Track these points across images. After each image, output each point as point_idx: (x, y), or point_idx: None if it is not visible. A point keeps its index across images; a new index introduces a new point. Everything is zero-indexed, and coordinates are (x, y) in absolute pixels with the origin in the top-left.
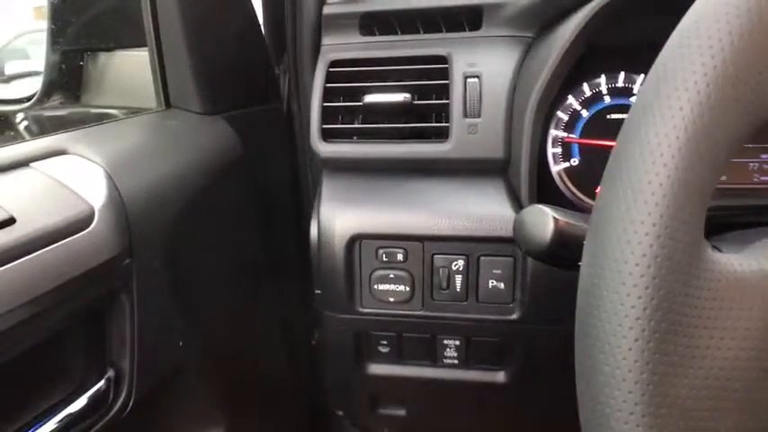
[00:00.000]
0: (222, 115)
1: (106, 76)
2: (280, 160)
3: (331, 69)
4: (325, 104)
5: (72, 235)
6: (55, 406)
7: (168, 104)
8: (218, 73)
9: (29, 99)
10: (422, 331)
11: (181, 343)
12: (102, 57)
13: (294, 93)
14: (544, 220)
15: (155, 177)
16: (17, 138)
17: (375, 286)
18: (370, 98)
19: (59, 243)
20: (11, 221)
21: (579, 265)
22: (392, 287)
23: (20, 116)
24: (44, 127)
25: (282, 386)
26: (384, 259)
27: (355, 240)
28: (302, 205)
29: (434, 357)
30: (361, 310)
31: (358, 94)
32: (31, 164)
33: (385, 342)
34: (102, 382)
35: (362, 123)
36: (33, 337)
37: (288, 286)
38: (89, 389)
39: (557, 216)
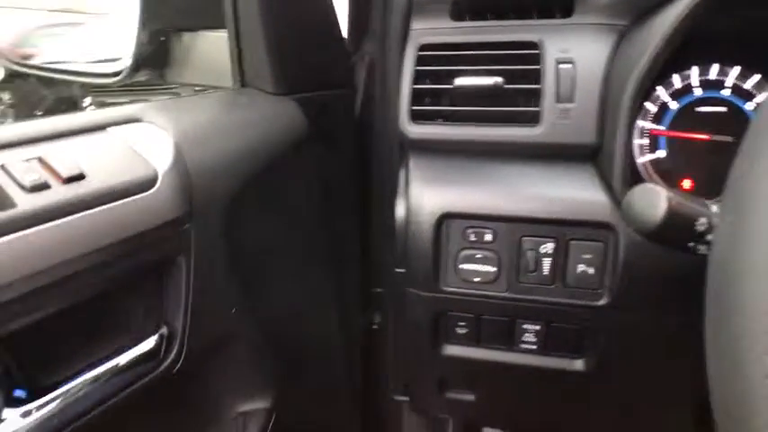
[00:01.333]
0: (294, 96)
1: (189, 55)
2: (345, 144)
3: (421, 53)
4: (415, 87)
5: (135, 194)
6: (110, 355)
7: (244, 83)
8: (292, 54)
9: (117, 74)
10: (502, 314)
11: (234, 310)
12: (186, 36)
13: (380, 77)
14: (656, 199)
15: (221, 150)
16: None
17: (461, 266)
18: (461, 81)
19: (123, 201)
20: (80, 177)
21: (689, 247)
22: (478, 267)
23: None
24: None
25: (334, 367)
26: (472, 239)
27: (444, 219)
28: (371, 187)
29: (512, 341)
30: (445, 288)
31: (448, 77)
32: (108, 128)
33: (463, 323)
34: (155, 337)
35: (450, 106)
36: (95, 286)
37: (346, 268)
38: (143, 341)
39: (670, 195)
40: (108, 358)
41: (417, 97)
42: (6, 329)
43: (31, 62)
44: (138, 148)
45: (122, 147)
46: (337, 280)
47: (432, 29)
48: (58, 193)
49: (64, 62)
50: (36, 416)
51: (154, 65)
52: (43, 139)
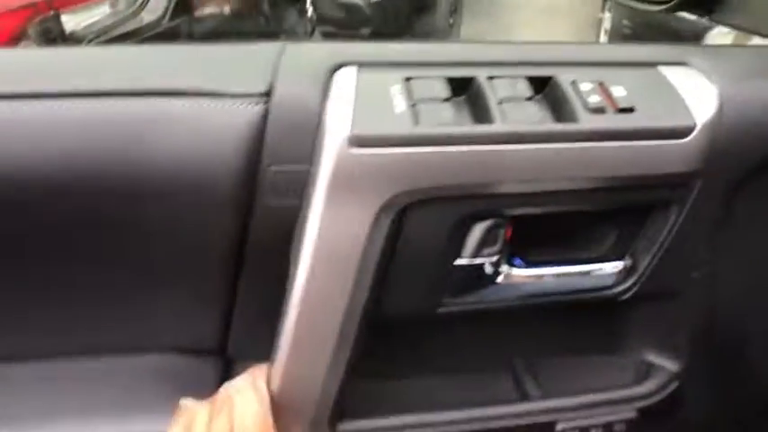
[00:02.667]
0: None
1: None
2: None
3: None
4: None
5: (670, 139)
6: (577, 261)
7: None
8: None
9: (665, 2)
10: None
11: (695, 274)
12: None
13: None
14: None
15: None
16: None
17: None
18: None
19: (656, 142)
20: (631, 110)
21: None
22: None
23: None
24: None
25: None
26: None
27: None
28: None
29: None
30: None
31: None
32: (656, 66)
33: None
34: (617, 264)
35: None
36: (592, 203)
37: None
38: (605, 263)
39: None
40: (574, 263)
41: None
42: (522, 212)
43: None
44: (682, 94)
45: (668, 88)
46: None
47: None
48: (610, 120)
49: None
50: (517, 280)
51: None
52: (604, 64)
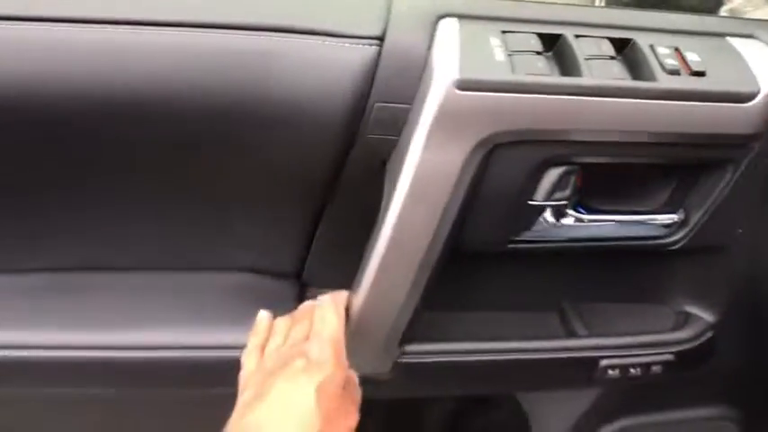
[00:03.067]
0: None
1: None
2: None
3: None
4: None
5: (735, 102)
6: (632, 212)
7: None
8: None
9: None
10: None
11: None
12: None
13: None
14: None
15: None
16: None
17: None
18: None
19: (723, 104)
20: (703, 74)
21: None
22: None
23: None
24: None
25: None
26: None
27: None
28: None
29: None
30: None
31: None
32: (725, 37)
33: None
34: (672, 216)
35: None
36: (650, 156)
37: None
38: (661, 215)
39: None
40: (632, 213)
41: None
42: (595, 160)
43: None
44: (749, 62)
45: (736, 57)
46: None
47: None
48: (684, 82)
49: None
50: (579, 224)
51: None
52: (678, 32)
